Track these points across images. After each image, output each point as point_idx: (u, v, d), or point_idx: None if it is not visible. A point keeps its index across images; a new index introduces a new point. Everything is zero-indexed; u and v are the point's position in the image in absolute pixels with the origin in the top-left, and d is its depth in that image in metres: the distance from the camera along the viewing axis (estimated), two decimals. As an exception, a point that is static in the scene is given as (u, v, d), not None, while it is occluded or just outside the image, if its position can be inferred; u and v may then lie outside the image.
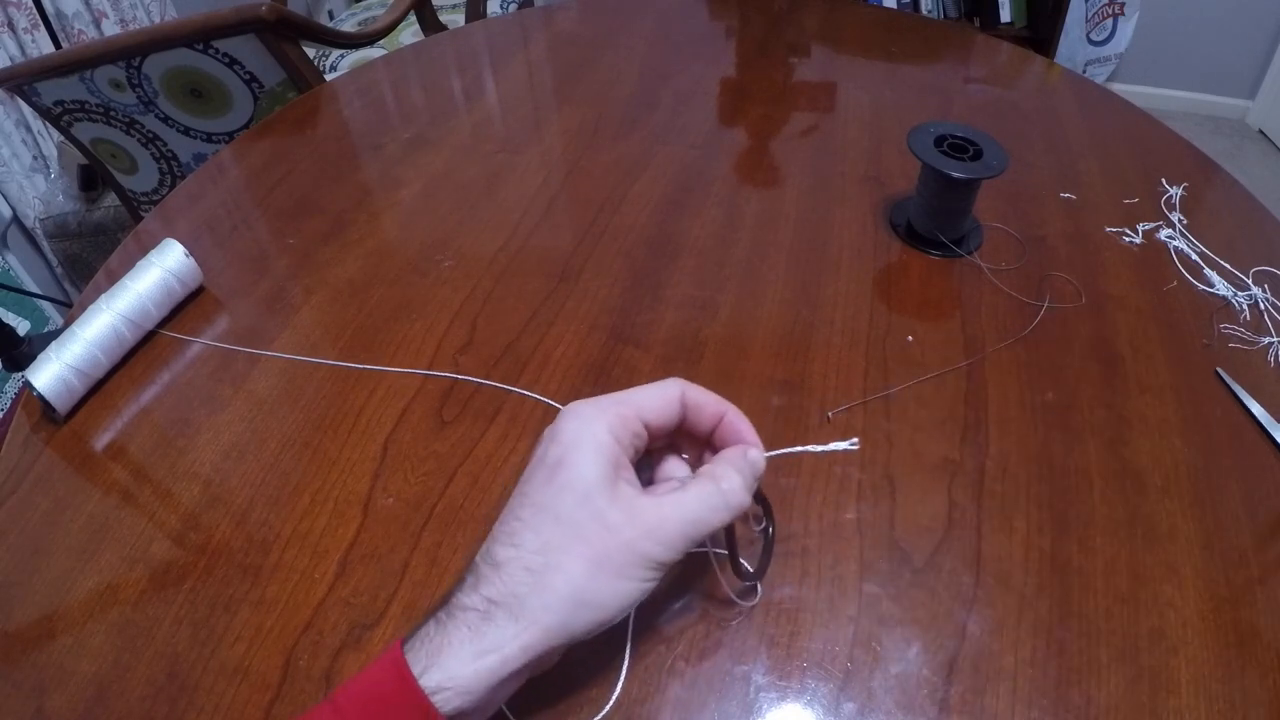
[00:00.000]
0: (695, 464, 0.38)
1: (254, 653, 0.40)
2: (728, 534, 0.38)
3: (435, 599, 0.42)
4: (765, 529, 0.40)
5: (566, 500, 0.32)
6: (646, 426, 0.35)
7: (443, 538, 0.45)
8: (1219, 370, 0.53)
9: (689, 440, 0.38)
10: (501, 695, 0.31)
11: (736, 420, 0.36)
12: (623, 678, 0.38)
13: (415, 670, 0.29)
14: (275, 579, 0.43)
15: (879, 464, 0.48)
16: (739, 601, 0.41)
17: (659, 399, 0.35)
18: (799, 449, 0.37)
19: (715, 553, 0.41)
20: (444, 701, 0.29)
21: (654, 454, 0.38)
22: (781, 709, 0.38)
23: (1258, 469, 0.49)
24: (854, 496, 0.47)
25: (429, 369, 0.55)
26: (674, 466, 0.37)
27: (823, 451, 0.37)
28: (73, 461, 0.50)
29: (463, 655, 0.29)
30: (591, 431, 0.33)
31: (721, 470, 0.34)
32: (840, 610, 0.41)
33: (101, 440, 0.51)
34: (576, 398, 0.35)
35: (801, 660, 0.40)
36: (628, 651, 0.39)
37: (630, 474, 0.34)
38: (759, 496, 0.38)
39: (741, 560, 0.40)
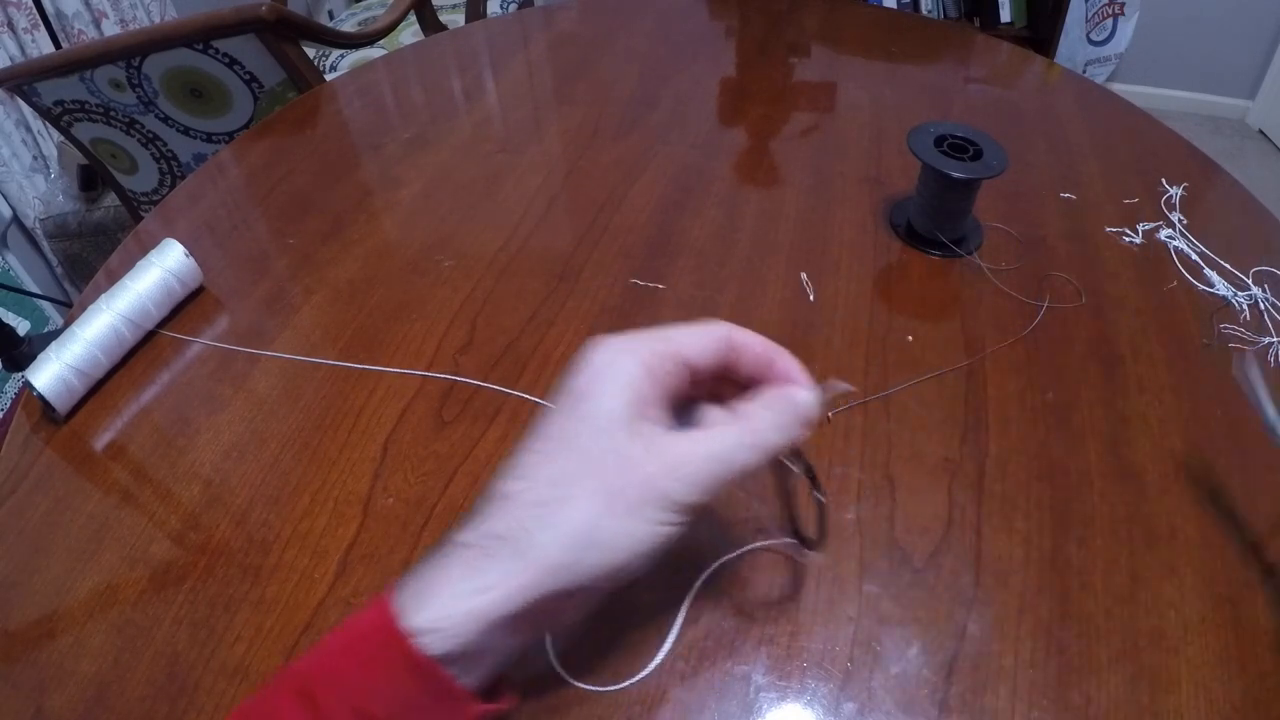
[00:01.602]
0: None
1: (254, 653, 0.40)
2: (786, 500, 0.37)
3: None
4: (816, 496, 0.38)
5: (585, 431, 0.29)
6: (687, 366, 0.32)
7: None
8: (1242, 364, 0.48)
9: (736, 390, 0.34)
10: (502, 647, 0.28)
11: (787, 365, 0.33)
12: (667, 645, 0.38)
13: (402, 610, 0.27)
14: (275, 579, 0.43)
15: (879, 464, 0.48)
16: (806, 555, 0.41)
17: (702, 337, 0.32)
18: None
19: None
20: (431, 643, 0.26)
21: (696, 403, 0.34)
22: (781, 709, 0.38)
23: (1258, 469, 0.49)
24: (854, 496, 0.47)
25: (429, 369, 0.54)
26: (715, 416, 0.34)
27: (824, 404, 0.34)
28: (73, 461, 0.50)
29: (457, 593, 0.27)
30: (621, 363, 0.30)
31: (754, 408, 0.31)
32: (840, 610, 0.41)
33: (101, 440, 0.51)
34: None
35: (801, 660, 0.40)
36: (681, 615, 0.39)
37: (660, 413, 0.31)
38: (803, 463, 0.35)
39: (800, 532, 0.40)
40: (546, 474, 0.29)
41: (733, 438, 0.30)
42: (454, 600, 0.27)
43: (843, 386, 0.33)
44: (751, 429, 0.31)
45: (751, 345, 0.33)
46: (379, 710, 0.26)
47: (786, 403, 0.32)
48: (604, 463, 0.29)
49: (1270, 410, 0.43)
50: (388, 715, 0.26)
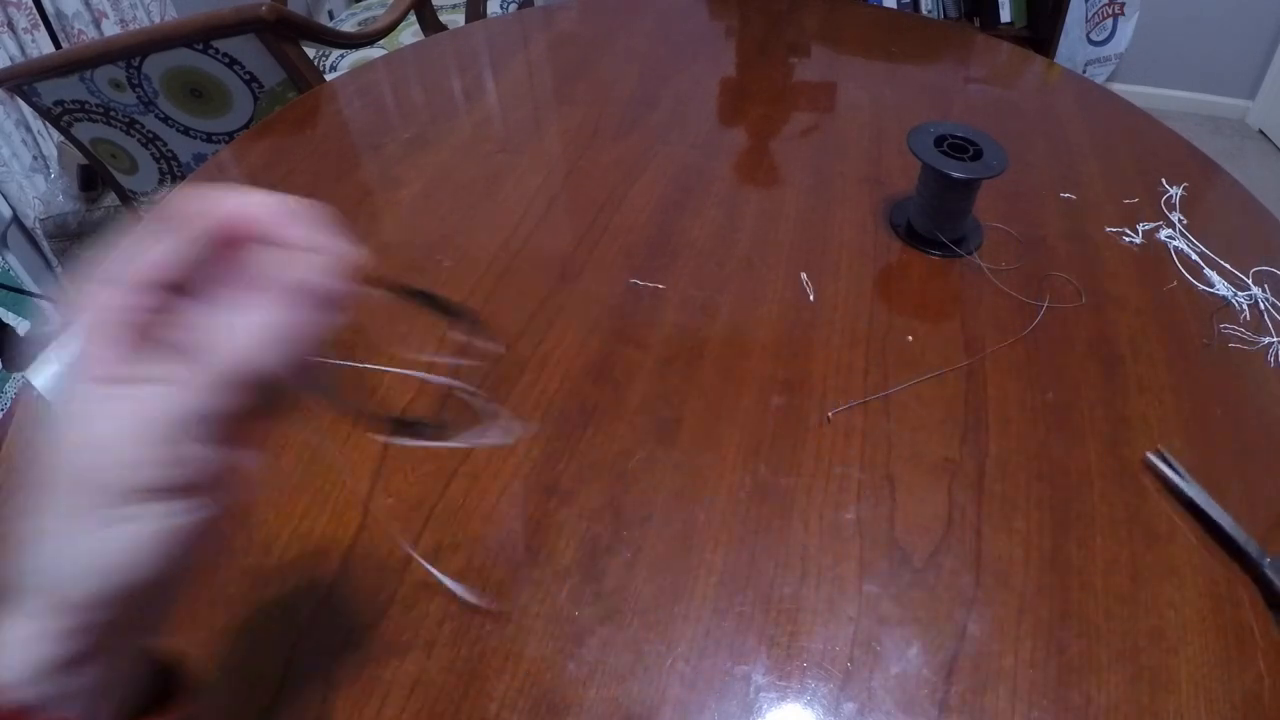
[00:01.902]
0: None
1: (254, 653, 0.40)
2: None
3: (434, 598, 0.42)
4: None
5: None
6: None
7: (443, 538, 0.45)
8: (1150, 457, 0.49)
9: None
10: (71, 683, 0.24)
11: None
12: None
13: None
14: (275, 579, 0.43)
15: (879, 464, 0.48)
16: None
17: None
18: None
19: None
20: None
21: None
22: (781, 709, 0.38)
23: (1258, 468, 0.49)
24: (854, 496, 0.47)
25: (429, 369, 0.54)
26: None
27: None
28: (73, 461, 0.50)
29: None
30: None
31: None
32: (840, 610, 0.41)
33: (101, 440, 0.51)
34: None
35: (801, 660, 0.40)
36: None
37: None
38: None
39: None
40: None
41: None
42: None
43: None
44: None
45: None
46: None
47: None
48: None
49: None
50: None
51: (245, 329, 0.24)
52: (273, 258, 0.25)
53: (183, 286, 0.24)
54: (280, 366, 0.24)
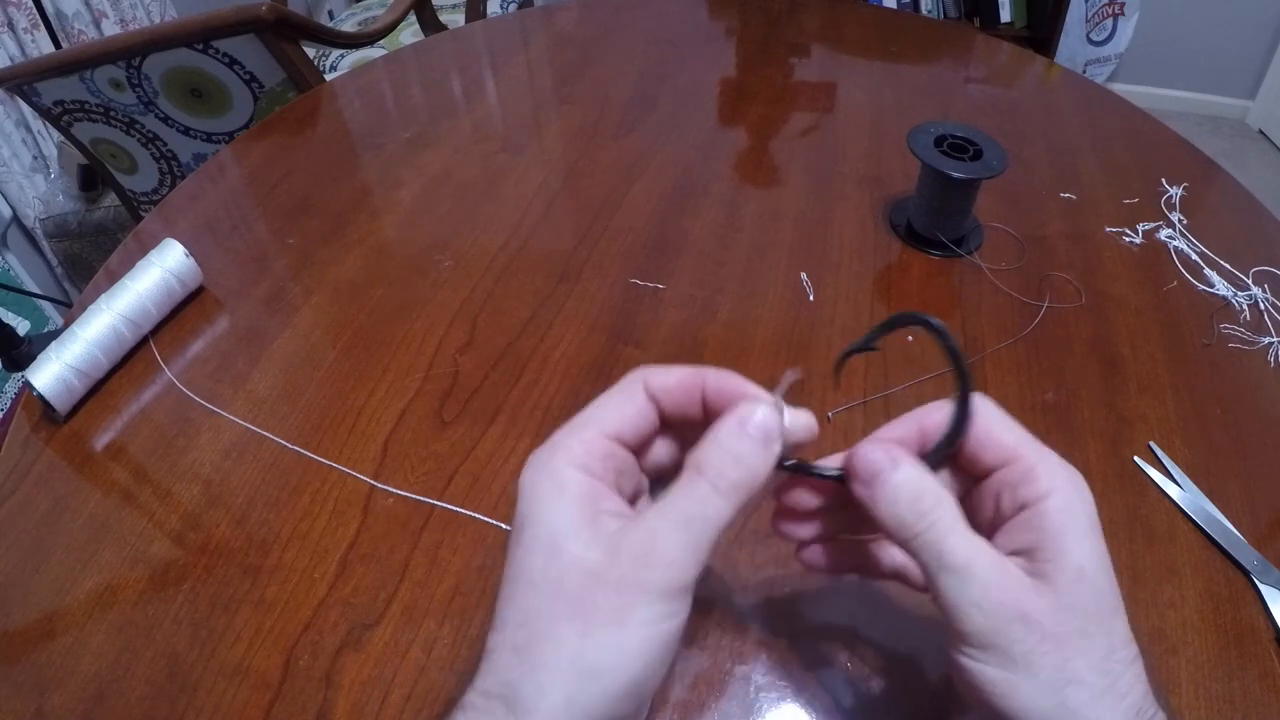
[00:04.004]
0: None
1: (254, 653, 0.40)
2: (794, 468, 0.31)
3: (434, 600, 0.42)
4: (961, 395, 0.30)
5: (537, 560, 0.26)
6: (619, 441, 0.29)
7: (443, 538, 0.45)
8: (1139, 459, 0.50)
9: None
10: None
11: (719, 382, 0.29)
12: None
13: None
14: (275, 579, 0.43)
15: (879, 464, 0.48)
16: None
17: (620, 403, 0.29)
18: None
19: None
20: None
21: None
22: (781, 709, 0.38)
23: (1258, 468, 0.49)
24: (854, 496, 0.47)
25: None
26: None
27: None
28: (73, 461, 0.50)
29: None
30: (549, 474, 0.27)
31: (704, 449, 0.27)
32: (840, 610, 0.41)
33: (101, 440, 0.51)
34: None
35: (801, 660, 0.40)
36: None
37: (616, 503, 0.27)
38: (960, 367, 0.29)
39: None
40: (514, 618, 0.26)
41: (694, 492, 0.26)
42: None
43: (791, 376, 0.29)
44: (710, 473, 0.26)
45: (673, 383, 0.29)
46: None
47: (735, 426, 0.27)
48: (567, 584, 0.25)
49: None
50: None
51: (732, 448, 0.27)
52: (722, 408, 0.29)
53: (632, 436, 0.29)
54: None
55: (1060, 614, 0.26)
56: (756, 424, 0.27)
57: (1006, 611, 0.26)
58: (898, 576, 0.33)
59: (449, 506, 0.46)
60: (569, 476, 0.27)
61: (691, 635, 0.40)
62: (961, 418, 0.30)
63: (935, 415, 0.31)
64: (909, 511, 0.27)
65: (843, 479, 0.30)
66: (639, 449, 0.29)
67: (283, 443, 0.50)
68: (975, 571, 0.26)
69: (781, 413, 0.28)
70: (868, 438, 0.30)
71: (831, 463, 0.31)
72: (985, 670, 0.26)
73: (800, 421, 0.29)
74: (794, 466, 0.31)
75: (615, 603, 0.25)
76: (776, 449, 0.27)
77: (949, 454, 0.30)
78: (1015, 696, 0.26)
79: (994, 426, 0.30)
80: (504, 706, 0.25)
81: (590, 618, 0.25)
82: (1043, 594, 0.26)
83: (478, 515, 0.46)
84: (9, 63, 1.51)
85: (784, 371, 0.29)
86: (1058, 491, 0.28)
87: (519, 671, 0.25)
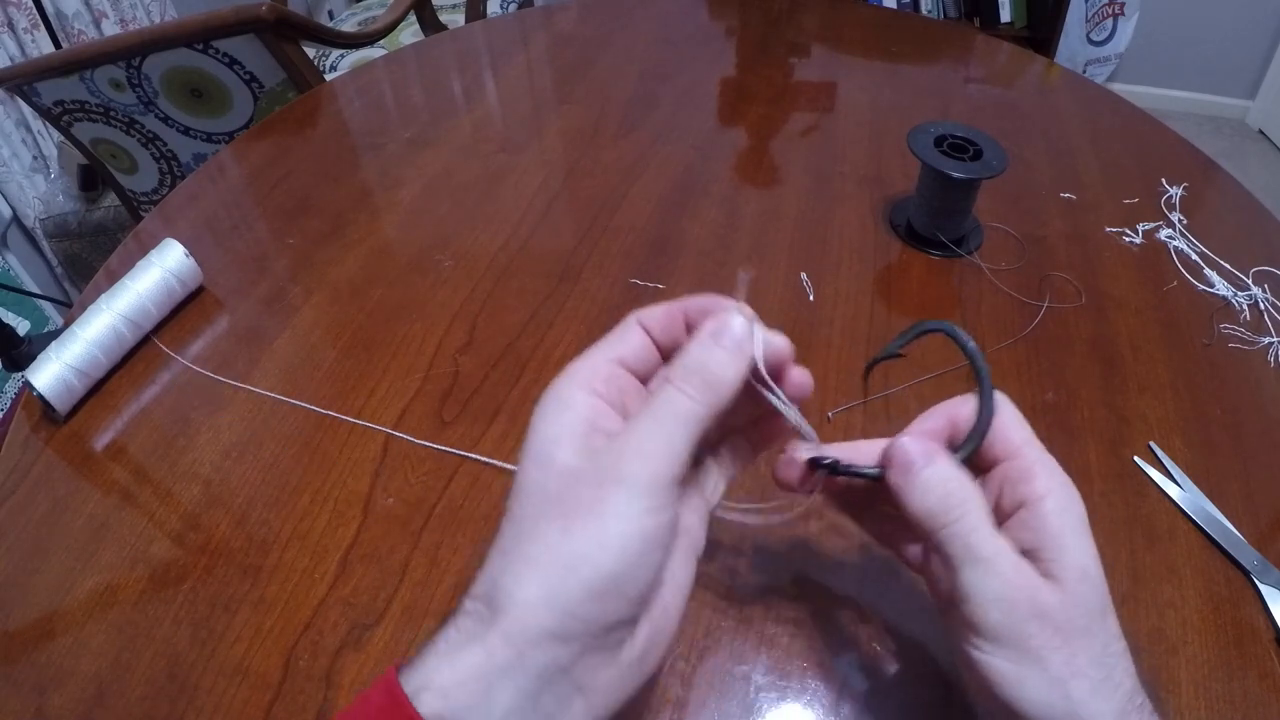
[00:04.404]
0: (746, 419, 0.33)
1: (254, 653, 0.40)
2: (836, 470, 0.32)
3: (434, 600, 0.42)
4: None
5: (531, 469, 0.28)
6: (622, 365, 0.31)
7: (443, 538, 0.45)
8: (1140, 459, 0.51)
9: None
10: (531, 715, 0.26)
11: (697, 305, 0.31)
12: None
13: (402, 676, 0.26)
14: (275, 579, 0.43)
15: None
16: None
17: (620, 336, 0.31)
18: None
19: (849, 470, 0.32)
20: (424, 702, 0.25)
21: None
22: (781, 709, 0.38)
23: (1258, 468, 0.49)
24: (854, 496, 0.47)
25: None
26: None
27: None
28: (73, 461, 0.50)
29: (444, 654, 0.26)
30: (555, 394, 0.29)
31: (678, 357, 0.29)
32: (840, 610, 0.41)
33: (101, 440, 0.51)
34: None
35: (801, 660, 0.40)
36: None
37: (617, 424, 0.29)
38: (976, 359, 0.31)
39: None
40: (507, 526, 0.27)
41: (664, 394, 0.28)
42: (439, 662, 0.26)
43: (744, 277, 0.30)
44: (678, 378, 0.28)
45: (660, 315, 0.31)
46: None
47: (705, 333, 0.29)
48: (553, 485, 0.27)
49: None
50: None
51: (703, 349, 0.29)
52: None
53: (636, 368, 0.31)
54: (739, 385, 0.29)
55: (1068, 611, 0.28)
56: (724, 325, 0.29)
57: (1024, 608, 0.27)
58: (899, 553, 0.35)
59: (476, 457, 0.46)
60: (572, 395, 0.29)
61: (692, 634, 0.40)
62: (984, 417, 0.31)
63: (964, 409, 0.33)
64: (940, 504, 0.29)
65: (879, 477, 0.31)
66: (643, 377, 0.31)
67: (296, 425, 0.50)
68: (998, 567, 0.28)
69: (746, 315, 0.29)
70: (905, 431, 0.32)
71: (860, 457, 0.32)
72: (996, 663, 0.28)
73: (770, 337, 0.30)
74: (831, 466, 0.32)
75: (594, 496, 0.26)
76: (737, 345, 0.29)
77: (976, 449, 0.31)
78: (1024, 689, 0.27)
79: (1008, 423, 0.32)
80: (486, 605, 0.26)
81: (571, 513, 0.26)
82: (1053, 592, 0.28)
83: (506, 465, 0.46)
84: (9, 63, 1.51)
85: (740, 271, 0.31)
86: (1054, 494, 0.30)
87: (502, 569, 0.26)
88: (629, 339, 0.31)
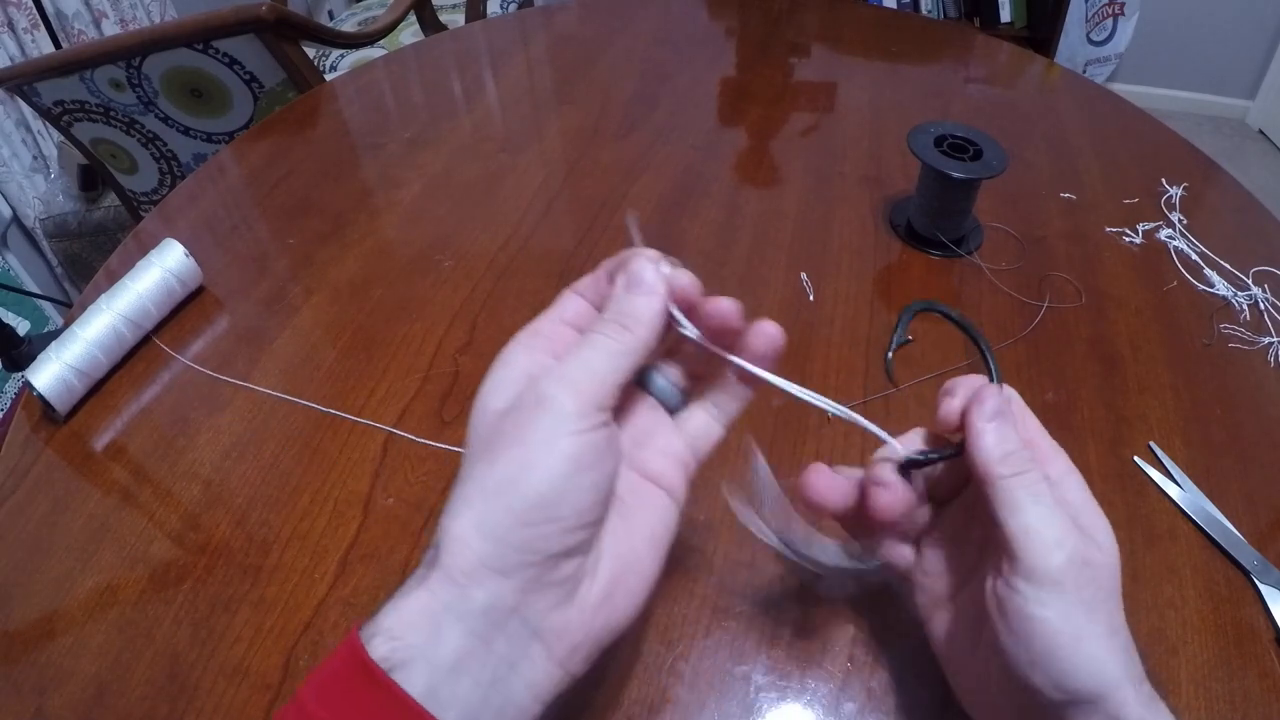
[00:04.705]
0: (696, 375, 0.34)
1: (254, 653, 0.40)
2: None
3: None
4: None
5: (474, 422, 0.29)
6: (566, 324, 0.32)
7: (443, 538, 0.45)
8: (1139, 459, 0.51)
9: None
10: (474, 661, 0.25)
11: (614, 263, 0.32)
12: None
13: (362, 629, 0.26)
14: (275, 579, 0.43)
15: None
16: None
17: (561, 302, 0.33)
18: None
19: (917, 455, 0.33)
20: (374, 646, 0.25)
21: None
22: (781, 709, 0.38)
23: (1258, 468, 0.49)
24: (854, 496, 0.47)
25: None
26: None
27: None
28: (73, 461, 0.50)
29: (395, 600, 0.26)
30: (502, 358, 0.31)
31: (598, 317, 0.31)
32: (840, 610, 0.41)
33: (101, 440, 0.51)
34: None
35: (801, 660, 0.40)
36: None
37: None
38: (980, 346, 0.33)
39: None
40: (457, 480, 0.28)
41: (590, 335, 0.29)
42: (395, 608, 0.26)
43: (632, 219, 0.33)
44: (601, 322, 0.30)
45: (587, 279, 0.33)
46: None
47: (618, 285, 0.31)
48: (485, 431, 0.28)
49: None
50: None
51: (618, 293, 0.31)
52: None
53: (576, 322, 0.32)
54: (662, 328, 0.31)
55: (1108, 570, 0.31)
56: (623, 279, 0.31)
57: (1079, 556, 0.29)
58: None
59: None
60: (513, 354, 0.30)
61: (692, 634, 0.40)
62: (994, 379, 0.33)
63: (976, 382, 0.34)
64: (1016, 451, 0.31)
65: (959, 454, 0.32)
66: None
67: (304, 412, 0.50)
68: (1059, 516, 0.30)
69: (650, 257, 0.31)
70: (983, 386, 0.33)
71: (911, 441, 0.34)
72: (1050, 615, 0.28)
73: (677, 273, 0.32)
74: (911, 461, 0.33)
75: (517, 422, 0.27)
76: (646, 286, 0.31)
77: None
78: (1081, 642, 0.28)
79: (1019, 413, 0.33)
80: (432, 550, 0.27)
81: (498, 446, 0.27)
82: (1094, 550, 0.30)
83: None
84: (9, 63, 1.51)
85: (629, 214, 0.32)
86: (1074, 473, 0.33)
87: (444, 512, 0.27)
88: (568, 304, 0.33)
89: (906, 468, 0.33)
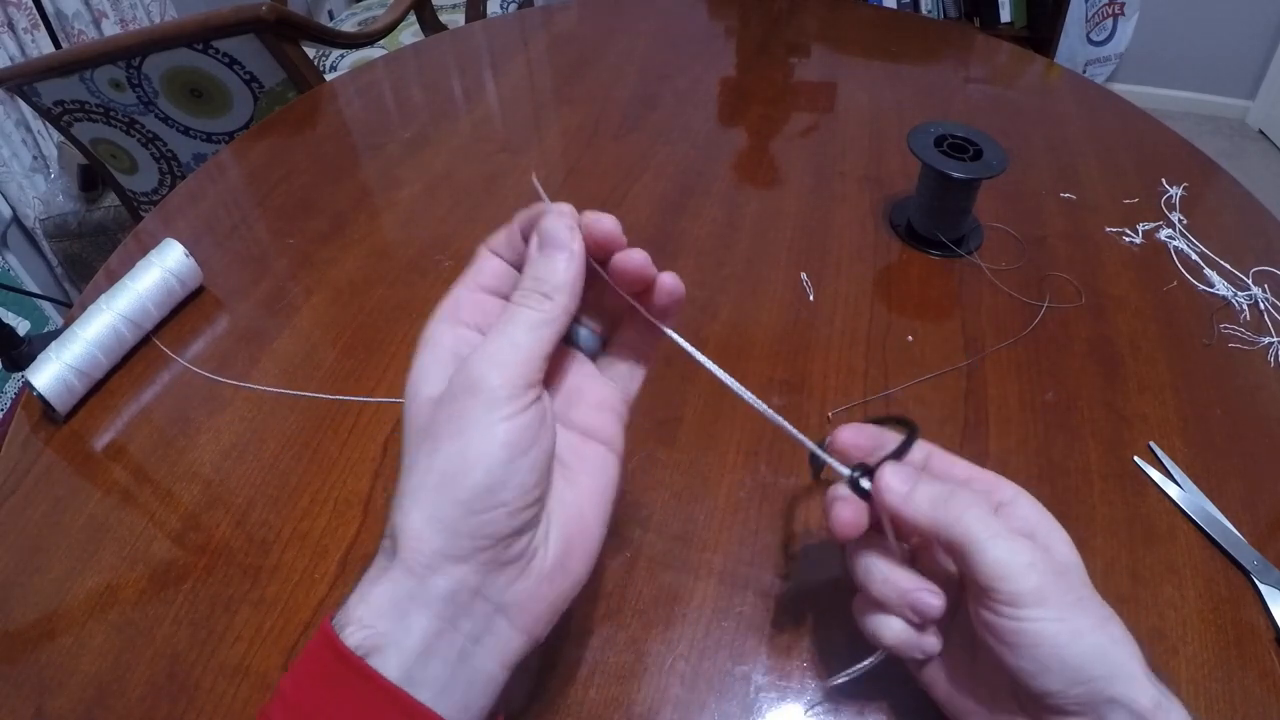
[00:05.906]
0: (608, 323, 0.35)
1: (254, 653, 0.40)
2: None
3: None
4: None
5: (408, 409, 0.29)
6: (484, 290, 0.33)
7: (443, 538, 0.45)
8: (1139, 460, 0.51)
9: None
10: (442, 644, 0.26)
11: (526, 216, 0.33)
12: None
13: (334, 620, 0.27)
14: (275, 579, 0.43)
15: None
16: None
17: (476, 266, 0.34)
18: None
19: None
20: (349, 635, 0.26)
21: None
22: (781, 709, 0.38)
23: (1258, 468, 0.49)
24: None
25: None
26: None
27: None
28: (73, 461, 0.50)
29: (361, 592, 0.27)
30: (424, 335, 0.31)
31: (518, 282, 0.31)
32: (840, 610, 0.41)
33: (101, 440, 0.51)
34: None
35: (801, 660, 0.40)
36: None
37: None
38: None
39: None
40: (401, 471, 0.28)
41: (513, 308, 0.29)
42: (358, 596, 0.27)
43: (535, 180, 0.34)
44: (522, 292, 0.30)
45: (501, 236, 0.34)
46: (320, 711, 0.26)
47: (532, 247, 0.31)
48: (422, 420, 0.28)
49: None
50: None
51: (533, 259, 0.31)
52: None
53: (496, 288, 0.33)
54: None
55: (1077, 572, 0.31)
56: (536, 240, 0.31)
57: (1049, 568, 0.29)
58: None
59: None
60: (437, 331, 0.31)
61: (691, 635, 0.40)
62: (910, 437, 0.34)
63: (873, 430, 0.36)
64: (943, 510, 0.31)
65: (912, 437, 0.34)
66: (508, 297, 0.32)
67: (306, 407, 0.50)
68: (1016, 541, 0.30)
69: (562, 212, 0.32)
70: (882, 465, 0.33)
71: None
72: (1045, 626, 0.29)
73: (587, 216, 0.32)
74: (864, 469, 0.34)
75: (453, 412, 0.27)
76: (561, 245, 0.31)
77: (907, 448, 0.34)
78: (1078, 639, 0.29)
79: (950, 460, 0.35)
80: (390, 540, 0.27)
81: (437, 435, 0.27)
82: (1059, 556, 0.31)
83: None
84: (9, 63, 1.51)
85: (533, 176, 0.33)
86: (1023, 494, 0.33)
87: (394, 506, 0.27)
88: (485, 267, 0.33)
89: (855, 484, 0.34)
